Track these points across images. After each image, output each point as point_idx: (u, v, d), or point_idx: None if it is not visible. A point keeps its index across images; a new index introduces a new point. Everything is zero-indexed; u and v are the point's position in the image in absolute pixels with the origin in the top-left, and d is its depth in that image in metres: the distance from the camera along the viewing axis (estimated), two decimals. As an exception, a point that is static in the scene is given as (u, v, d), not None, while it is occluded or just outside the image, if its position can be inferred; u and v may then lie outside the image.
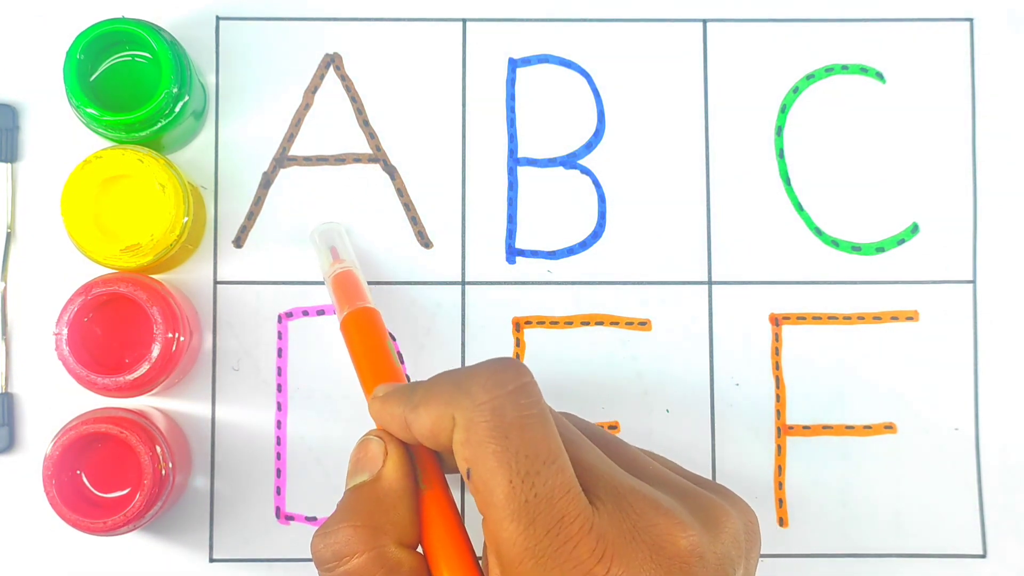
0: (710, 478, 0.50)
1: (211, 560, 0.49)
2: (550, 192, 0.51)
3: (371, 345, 0.42)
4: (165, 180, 0.45)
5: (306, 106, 0.51)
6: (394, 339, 0.50)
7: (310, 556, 0.49)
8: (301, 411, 0.50)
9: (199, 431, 0.50)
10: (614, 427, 0.50)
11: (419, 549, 0.35)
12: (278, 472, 0.49)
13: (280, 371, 0.50)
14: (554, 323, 0.50)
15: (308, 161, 0.51)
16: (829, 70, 0.52)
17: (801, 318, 0.51)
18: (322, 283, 0.50)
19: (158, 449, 0.45)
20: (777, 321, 0.51)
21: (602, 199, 0.51)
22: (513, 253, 0.51)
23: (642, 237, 0.51)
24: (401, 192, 0.51)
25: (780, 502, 0.50)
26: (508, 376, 0.32)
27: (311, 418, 0.50)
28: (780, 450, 0.50)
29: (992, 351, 0.51)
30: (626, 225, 0.51)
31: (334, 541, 0.34)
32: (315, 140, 0.51)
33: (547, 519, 0.30)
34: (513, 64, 0.51)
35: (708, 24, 0.52)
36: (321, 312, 0.50)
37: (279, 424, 0.50)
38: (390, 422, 0.36)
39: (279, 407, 0.50)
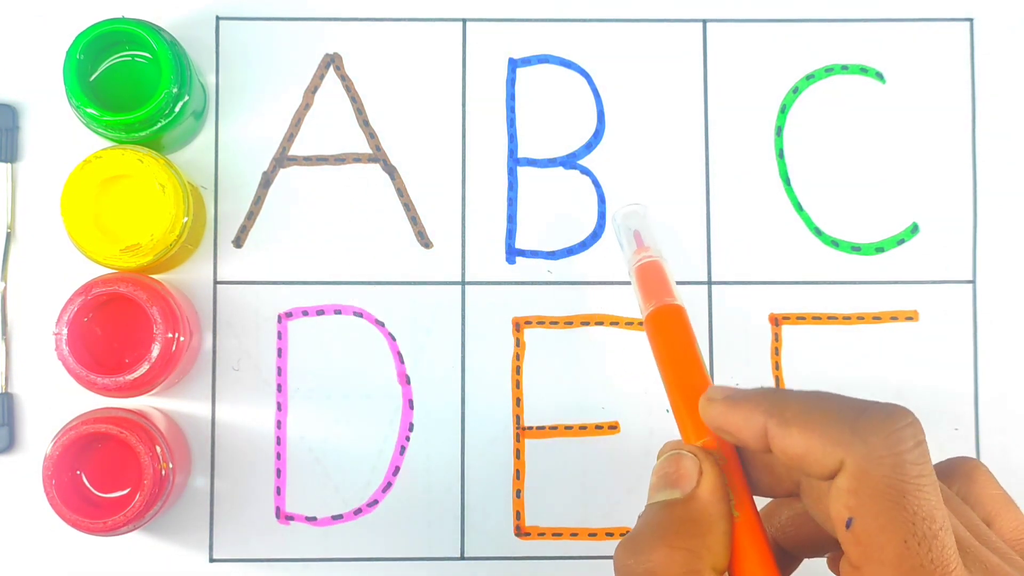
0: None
1: (211, 560, 0.49)
2: (550, 192, 0.51)
3: (678, 346, 0.39)
4: (165, 180, 0.45)
5: (306, 106, 0.51)
6: (394, 339, 0.50)
7: (315, 556, 0.49)
8: (301, 411, 0.50)
9: (199, 431, 0.50)
10: (614, 427, 0.50)
11: None
12: (278, 472, 0.49)
13: (280, 371, 0.50)
14: (554, 323, 0.50)
15: (308, 161, 0.51)
16: (829, 70, 0.52)
17: (801, 318, 0.51)
18: (321, 283, 0.50)
19: (158, 449, 0.45)
20: (777, 321, 0.51)
21: (602, 199, 0.51)
22: (513, 253, 0.51)
23: (642, 237, 0.51)
24: (401, 192, 0.51)
25: (780, 502, 0.50)
26: (909, 432, 0.31)
27: (311, 418, 0.50)
28: (780, 450, 0.50)
29: (992, 351, 0.51)
30: (626, 225, 0.51)
31: (648, 560, 0.32)
32: (315, 140, 0.51)
33: None
34: (513, 64, 0.51)
35: (708, 24, 0.52)
36: (321, 312, 0.50)
37: (279, 424, 0.50)
38: (741, 425, 0.33)
39: (279, 407, 0.50)
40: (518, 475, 0.50)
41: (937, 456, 0.51)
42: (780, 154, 0.52)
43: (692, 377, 0.37)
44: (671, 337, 0.39)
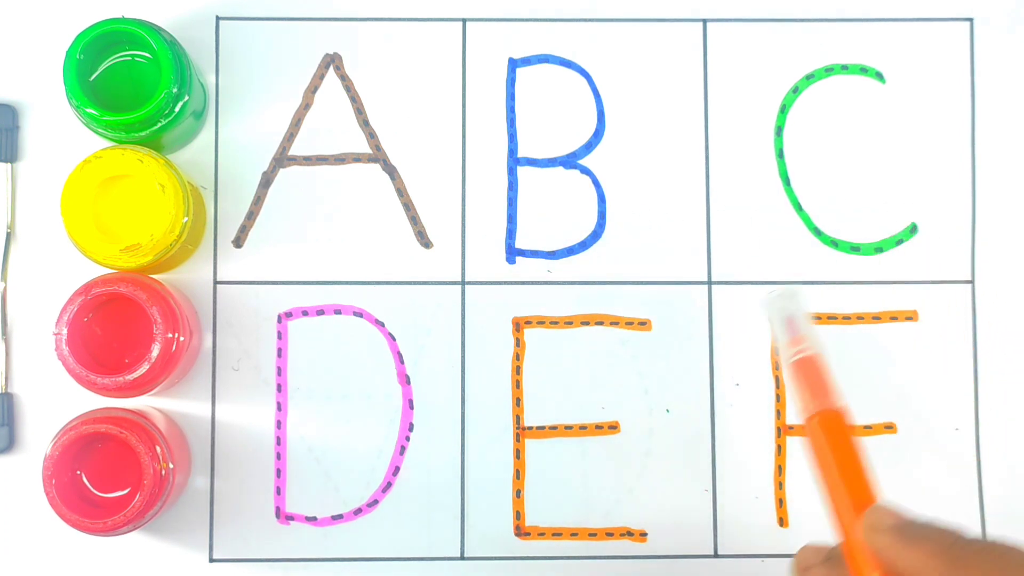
0: (710, 477, 0.50)
1: (211, 560, 0.49)
2: (550, 192, 0.51)
3: (844, 456, 0.39)
4: (165, 180, 0.45)
5: (306, 106, 0.51)
6: (394, 339, 0.50)
7: (315, 556, 0.49)
8: (301, 411, 0.50)
9: (199, 431, 0.50)
10: (614, 427, 0.50)
11: None
12: (278, 472, 0.49)
13: (280, 371, 0.50)
14: (554, 323, 0.50)
15: (308, 161, 0.51)
16: (829, 70, 0.52)
17: (801, 318, 0.51)
18: (321, 283, 0.50)
19: (158, 449, 0.45)
20: (777, 321, 0.51)
21: (602, 199, 0.51)
22: (513, 253, 0.51)
23: (642, 237, 0.51)
24: (401, 192, 0.51)
25: (780, 502, 0.50)
26: None
27: (311, 418, 0.50)
28: (780, 450, 0.50)
29: (992, 351, 0.51)
30: (626, 225, 0.51)
31: None
32: (315, 140, 0.51)
33: None
34: (513, 64, 0.51)
35: (708, 24, 0.52)
36: (321, 312, 0.50)
37: (279, 424, 0.50)
38: (918, 568, 0.33)
39: (279, 407, 0.50)
40: (518, 475, 0.50)
41: (939, 456, 0.51)
42: (780, 154, 0.52)
43: (857, 488, 0.38)
44: (834, 443, 0.39)
